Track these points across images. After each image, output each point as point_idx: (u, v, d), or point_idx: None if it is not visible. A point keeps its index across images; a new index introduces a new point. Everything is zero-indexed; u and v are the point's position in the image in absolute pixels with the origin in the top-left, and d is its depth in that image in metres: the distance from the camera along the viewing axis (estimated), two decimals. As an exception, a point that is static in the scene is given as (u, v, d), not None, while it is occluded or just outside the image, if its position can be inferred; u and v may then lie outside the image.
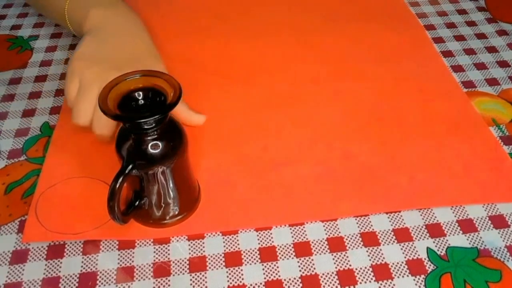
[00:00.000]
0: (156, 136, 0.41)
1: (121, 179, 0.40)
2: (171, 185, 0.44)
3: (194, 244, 0.46)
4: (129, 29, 0.58)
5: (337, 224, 0.47)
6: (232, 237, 0.46)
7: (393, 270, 0.44)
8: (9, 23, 0.73)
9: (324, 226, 0.47)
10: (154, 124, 0.40)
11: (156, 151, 0.41)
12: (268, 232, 0.47)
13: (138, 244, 0.46)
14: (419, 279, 0.43)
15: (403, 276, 0.43)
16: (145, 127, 0.40)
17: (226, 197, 0.49)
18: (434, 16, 0.73)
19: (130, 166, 0.40)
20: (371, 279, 0.43)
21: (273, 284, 0.43)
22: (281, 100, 0.59)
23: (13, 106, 0.59)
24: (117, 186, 0.40)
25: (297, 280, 0.43)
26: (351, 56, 0.65)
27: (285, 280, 0.43)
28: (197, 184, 0.49)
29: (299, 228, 0.47)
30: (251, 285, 0.43)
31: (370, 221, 0.47)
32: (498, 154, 0.53)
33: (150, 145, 0.41)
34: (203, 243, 0.46)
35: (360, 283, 0.43)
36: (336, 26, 0.70)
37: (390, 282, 0.43)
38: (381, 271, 0.43)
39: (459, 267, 0.44)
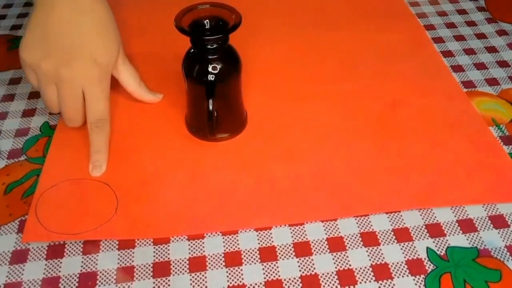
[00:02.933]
0: (217, 56, 0.49)
1: (211, 100, 0.48)
2: (226, 102, 0.52)
3: (194, 244, 0.46)
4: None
5: (337, 224, 0.47)
6: (232, 237, 0.46)
7: (393, 270, 0.44)
8: (9, 23, 0.73)
9: (324, 226, 0.47)
10: (216, 45, 0.48)
11: (216, 71, 0.49)
12: (268, 232, 0.47)
13: (138, 244, 0.46)
14: (419, 279, 0.43)
15: (403, 276, 0.43)
16: (209, 47, 0.48)
17: (226, 197, 0.49)
18: (434, 16, 0.73)
19: (212, 88, 0.49)
20: (371, 279, 0.43)
21: (273, 284, 0.43)
22: (281, 100, 0.59)
23: (13, 106, 0.59)
24: (212, 106, 0.48)
25: (297, 280, 0.43)
26: (351, 56, 0.65)
27: (285, 280, 0.43)
28: (245, 110, 0.56)
29: (299, 228, 0.47)
30: (251, 285, 0.43)
31: (370, 221, 0.47)
32: (498, 154, 0.53)
33: (211, 66, 0.49)
34: (203, 243, 0.46)
35: (360, 283, 0.43)
36: (336, 26, 0.70)
37: (390, 282, 0.43)
38: (381, 271, 0.43)
39: (459, 267, 0.44)
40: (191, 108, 0.54)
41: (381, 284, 0.43)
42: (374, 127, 0.56)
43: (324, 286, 0.43)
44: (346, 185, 0.50)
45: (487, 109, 0.58)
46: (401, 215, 0.48)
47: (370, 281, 0.43)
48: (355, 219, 0.47)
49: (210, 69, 0.49)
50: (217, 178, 0.51)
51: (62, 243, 0.46)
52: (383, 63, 0.64)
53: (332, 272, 0.43)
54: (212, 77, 0.49)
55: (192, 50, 0.51)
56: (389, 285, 0.43)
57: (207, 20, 0.50)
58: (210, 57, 0.49)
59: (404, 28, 0.70)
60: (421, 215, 0.48)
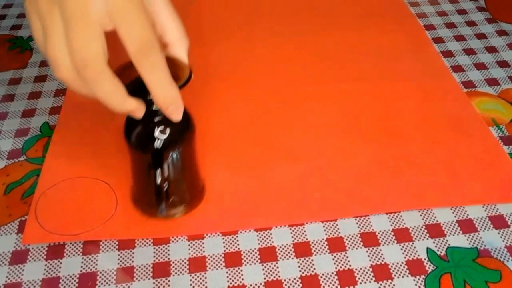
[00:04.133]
0: (164, 119, 0.40)
1: (158, 169, 0.41)
2: (178, 171, 0.44)
3: (194, 244, 0.46)
4: None
5: (337, 224, 0.47)
6: (232, 237, 0.46)
7: (393, 271, 0.44)
8: (9, 23, 0.73)
9: (324, 226, 0.47)
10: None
11: (165, 135, 0.41)
12: (268, 232, 0.47)
13: (138, 244, 0.46)
14: (419, 279, 0.43)
15: (403, 277, 0.43)
16: (155, 109, 0.39)
17: (225, 197, 0.49)
18: (434, 16, 0.73)
19: (159, 157, 0.41)
20: (371, 279, 0.43)
21: (273, 285, 0.43)
22: (281, 100, 0.59)
23: (13, 106, 0.59)
24: (161, 179, 0.41)
25: (297, 281, 0.43)
26: (351, 56, 0.65)
27: (285, 280, 0.43)
28: (202, 176, 0.49)
29: (299, 228, 0.47)
30: (251, 285, 0.43)
31: (370, 221, 0.47)
32: (498, 154, 0.53)
33: (158, 130, 0.41)
34: (203, 243, 0.46)
35: (360, 283, 0.43)
36: (336, 26, 0.70)
37: (390, 283, 0.43)
38: (381, 272, 0.43)
39: (459, 268, 0.44)
40: (137, 181, 0.47)
41: (381, 284, 0.43)
42: (374, 127, 0.56)
43: (324, 286, 0.43)
44: (346, 185, 0.50)
45: (487, 109, 0.58)
46: (401, 215, 0.48)
47: (370, 282, 0.43)
48: (355, 219, 0.47)
49: (157, 134, 0.41)
50: (216, 179, 0.51)
51: (62, 244, 0.46)
52: (383, 63, 0.64)
53: (332, 273, 0.43)
54: (160, 143, 0.41)
55: None
56: (389, 286, 0.43)
57: None
58: (156, 120, 0.41)
59: (404, 28, 0.70)
60: (421, 215, 0.48)
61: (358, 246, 0.45)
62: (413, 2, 0.76)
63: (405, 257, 0.44)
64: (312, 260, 0.44)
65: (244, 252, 0.45)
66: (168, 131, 0.41)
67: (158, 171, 0.40)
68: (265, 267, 0.44)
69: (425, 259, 0.44)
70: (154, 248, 0.45)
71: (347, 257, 0.45)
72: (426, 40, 0.68)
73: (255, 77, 0.62)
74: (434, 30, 0.70)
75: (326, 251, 0.45)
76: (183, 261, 0.45)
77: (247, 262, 0.44)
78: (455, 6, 0.75)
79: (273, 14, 0.73)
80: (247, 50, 0.67)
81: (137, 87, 0.37)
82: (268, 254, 0.45)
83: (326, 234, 0.46)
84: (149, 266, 0.44)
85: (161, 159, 0.41)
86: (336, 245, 0.45)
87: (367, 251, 0.45)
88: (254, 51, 0.66)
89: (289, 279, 0.43)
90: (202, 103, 0.59)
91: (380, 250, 0.45)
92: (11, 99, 0.60)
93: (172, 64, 0.39)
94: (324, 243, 0.46)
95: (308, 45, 0.67)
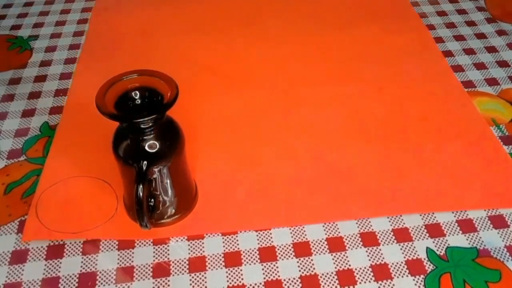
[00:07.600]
0: (153, 135, 0.41)
1: (141, 185, 0.39)
2: (169, 184, 0.44)
3: (193, 244, 0.46)
4: None
5: (336, 225, 0.47)
6: (232, 237, 0.46)
7: (393, 270, 0.44)
8: (9, 23, 0.73)
9: (323, 226, 0.47)
10: (151, 124, 0.40)
11: (153, 150, 0.41)
12: (268, 232, 0.47)
13: (137, 244, 0.46)
14: (418, 279, 0.43)
15: (402, 276, 0.43)
16: (142, 126, 0.40)
17: (225, 198, 0.49)
18: (434, 16, 0.73)
19: (143, 175, 0.40)
20: (371, 279, 0.43)
21: (273, 284, 0.43)
22: (282, 101, 0.59)
23: (13, 106, 0.59)
24: (141, 192, 0.39)
25: (297, 280, 0.43)
26: (354, 57, 0.65)
27: (284, 280, 0.43)
28: (194, 184, 0.49)
29: (299, 228, 0.47)
30: (250, 285, 0.43)
31: (369, 222, 0.47)
32: (498, 154, 0.53)
33: (147, 144, 0.41)
34: (203, 243, 0.46)
35: (360, 283, 0.43)
36: (340, 27, 0.70)
37: (390, 282, 0.43)
38: (381, 271, 0.43)
39: (459, 267, 0.44)
40: (125, 190, 0.47)
41: (380, 284, 0.43)
42: (375, 128, 0.56)
43: (323, 286, 0.43)
44: (346, 188, 0.50)
45: (487, 109, 0.58)
46: (400, 216, 0.48)
47: (369, 281, 0.43)
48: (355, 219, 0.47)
49: (146, 148, 0.41)
50: (216, 180, 0.51)
51: (61, 243, 0.46)
52: (387, 64, 0.64)
53: (332, 272, 0.43)
54: (145, 163, 0.40)
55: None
56: (388, 285, 0.43)
57: (136, 92, 0.41)
58: (144, 137, 0.41)
59: (409, 29, 0.70)
60: (420, 215, 0.48)
61: (357, 246, 0.45)
62: (413, 2, 0.76)
63: (404, 257, 0.44)
64: (312, 260, 0.44)
65: (243, 252, 0.45)
66: (157, 145, 0.41)
67: (141, 187, 0.39)
68: (265, 267, 0.44)
69: (424, 259, 0.44)
70: (154, 248, 0.45)
71: (347, 257, 0.45)
72: (430, 41, 0.68)
73: (255, 77, 0.62)
74: (434, 30, 0.70)
75: (326, 251, 0.45)
76: (182, 261, 0.45)
77: (247, 262, 0.44)
78: (455, 6, 0.75)
79: (276, 14, 0.73)
80: (247, 50, 0.67)
81: (124, 102, 0.40)
82: (267, 254, 0.45)
83: (325, 234, 0.46)
84: (149, 266, 0.44)
85: (145, 176, 0.40)
86: (335, 245, 0.45)
87: (366, 251, 0.45)
88: (255, 51, 0.66)
89: (289, 279, 0.43)
90: (200, 102, 0.59)
91: (380, 250, 0.45)
92: (11, 99, 0.60)
93: (160, 80, 0.40)
94: (323, 243, 0.46)
95: (311, 46, 0.67)
